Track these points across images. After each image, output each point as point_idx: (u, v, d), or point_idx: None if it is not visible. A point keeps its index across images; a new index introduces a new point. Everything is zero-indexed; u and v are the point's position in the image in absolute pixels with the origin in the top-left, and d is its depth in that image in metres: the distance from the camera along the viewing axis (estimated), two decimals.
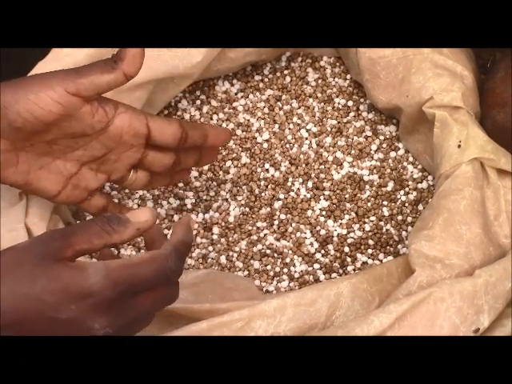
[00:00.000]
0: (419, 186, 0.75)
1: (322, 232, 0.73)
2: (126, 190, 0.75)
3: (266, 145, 0.77)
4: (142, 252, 0.73)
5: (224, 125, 0.78)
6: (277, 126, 0.78)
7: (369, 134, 0.77)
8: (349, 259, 0.72)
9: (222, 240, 0.73)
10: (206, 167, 0.76)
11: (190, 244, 0.54)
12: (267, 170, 0.76)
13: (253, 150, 0.77)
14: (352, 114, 0.78)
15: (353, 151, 0.76)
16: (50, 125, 0.58)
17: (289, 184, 0.75)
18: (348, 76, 0.79)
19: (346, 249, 0.72)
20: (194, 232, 0.74)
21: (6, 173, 0.60)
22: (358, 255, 0.72)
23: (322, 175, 0.75)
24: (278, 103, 0.79)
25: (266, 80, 0.80)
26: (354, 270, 0.71)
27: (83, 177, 0.63)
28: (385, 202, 0.74)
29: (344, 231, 0.73)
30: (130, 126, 0.61)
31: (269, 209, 0.74)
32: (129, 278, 0.49)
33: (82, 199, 0.64)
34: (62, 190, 0.62)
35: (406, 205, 0.74)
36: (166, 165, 0.65)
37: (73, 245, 0.48)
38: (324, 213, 0.74)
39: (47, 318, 0.47)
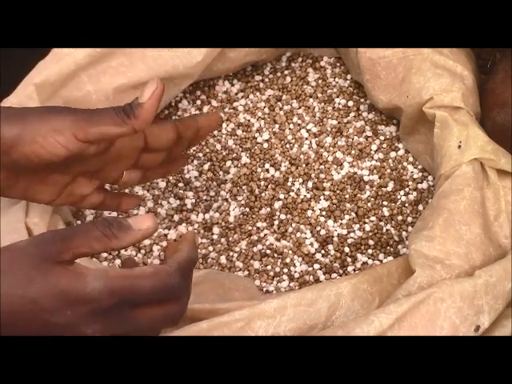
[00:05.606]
0: (419, 186, 0.75)
1: (322, 232, 0.73)
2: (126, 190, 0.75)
3: (266, 145, 0.77)
4: (143, 252, 0.73)
5: (224, 125, 0.78)
6: (277, 126, 0.78)
7: (369, 134, 0.77)
8: (349, 259, 0.72)
9: (222, 240, 0.73)
10: (206, 167, 0.76)
11: (195, 261, 0.54)
12: (267, 170, 0.76)
13: (253, 150, 0.77)
14: (352, 114, 0.78)
15: (353, 151, 0.76)
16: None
17: (289, 184, 0.75)
18: (348, 76, 0.79)
19: (346, 249, 0.72)
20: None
21: (6, 192, 0.60)
22: (358, 255, 0.72)
23: (322, 175, 0.75)
24: (279, 103, 0.79)
25: (267, 80, 0.80)
26: (354, 270, 0.71)
27: (78, 184, 0.63)
28: (385, 203, 0.74)
29: (344, 231, 0.73)
30: (130, 145, 0.62)
31: (269, 209, 0.74)
32: (127, 288, 0.48)
33: (76, 202, 0.64)
34: (56, 199, 0.62)
35: (406, 205, 0.74)
36: (158, 161, 0.66)
37: (72, 248, 0.48)
38: (324, 213, 0.74)
39: (41, 320, 0.47)
